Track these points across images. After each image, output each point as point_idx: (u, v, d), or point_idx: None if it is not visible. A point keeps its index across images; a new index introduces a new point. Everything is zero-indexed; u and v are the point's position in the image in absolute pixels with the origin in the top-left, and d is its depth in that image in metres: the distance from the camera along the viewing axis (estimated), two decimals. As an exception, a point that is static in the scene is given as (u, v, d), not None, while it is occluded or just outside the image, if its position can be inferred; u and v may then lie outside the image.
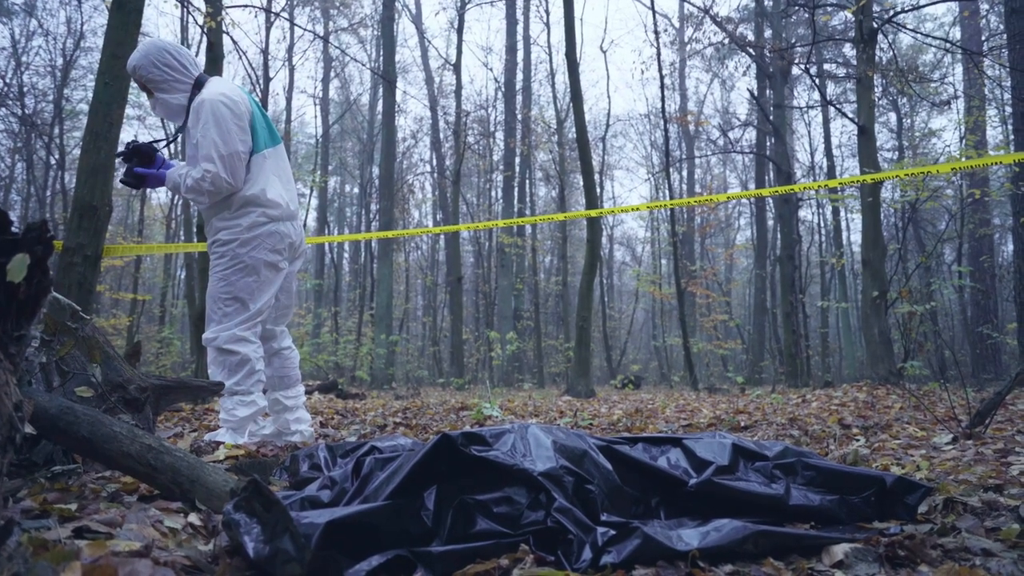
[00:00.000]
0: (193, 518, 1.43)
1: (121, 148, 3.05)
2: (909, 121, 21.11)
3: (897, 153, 20.65)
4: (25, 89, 17.57)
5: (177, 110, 2.94)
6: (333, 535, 1.16)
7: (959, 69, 17.31)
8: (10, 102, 17.36)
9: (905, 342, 8.05)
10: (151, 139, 3.02)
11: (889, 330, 8.66)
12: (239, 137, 2.85)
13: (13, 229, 1.07)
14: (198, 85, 2.92)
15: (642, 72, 28.27)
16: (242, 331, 2.89)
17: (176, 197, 19.82)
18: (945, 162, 10.91)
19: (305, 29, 16.23)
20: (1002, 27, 14.66)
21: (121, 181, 3.01)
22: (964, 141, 11.19)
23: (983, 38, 15.22)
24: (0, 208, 1.05)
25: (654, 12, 14.25)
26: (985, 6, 14.77)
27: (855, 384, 8.47)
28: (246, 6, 11.69)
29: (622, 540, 1.28)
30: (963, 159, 9.38)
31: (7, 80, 17.60)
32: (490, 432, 1.51)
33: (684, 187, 24.94)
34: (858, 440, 3.15)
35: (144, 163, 2.97)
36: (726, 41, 14.89)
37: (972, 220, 14.68)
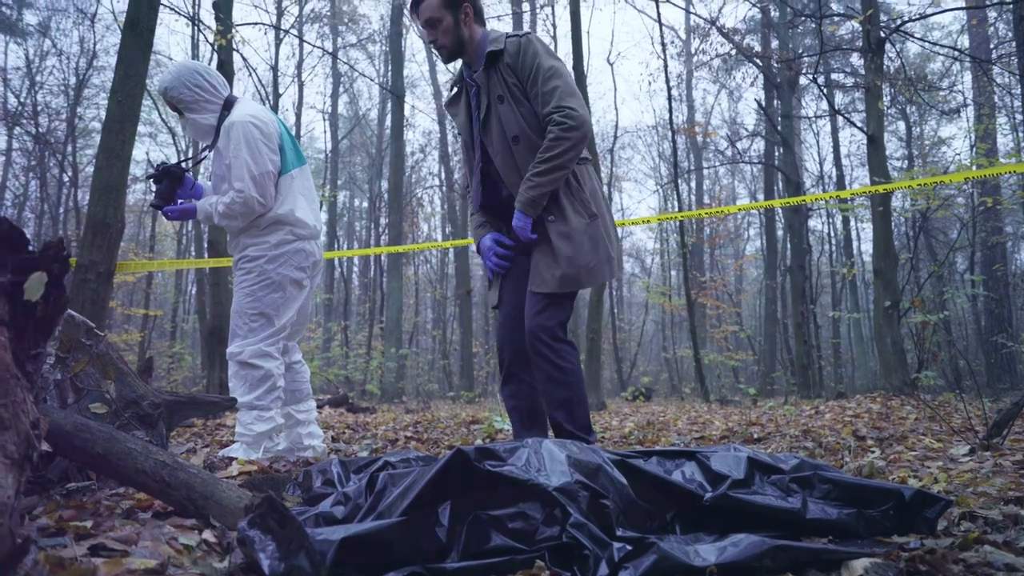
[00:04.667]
0: (207, 535, 1.43)
1: (152, 170, 3.08)
2: (918, 130, 21.05)
3: (907, 162, 20.58)
4: (39, 108, 17.79)
5: (207, 130, 3.00)
6: (348, 551, 1.16)
7: (968, 77, 17.28)
8: (24, 121, 17.57)
9: (919, 352, 7.99)
10: (178, 160, 3.05)
11: (902, 340, 8.59)
12: (269, 157, 2.92)
13: (30, 248, 1.08)
14: (227, 106, 2.99)
15: (649, 84, 28.22)
16: (267, 346, 2.93)
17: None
18: (956, 171, 10.86)
19: (314, 45, 16.40)
20: (1011, 35, 14.63)
21: (152, 205, 3.03)
22: (975, 149, 11.14)
23: (991, 46, 15.20)
24: (17, 227, 1.06)
25: (660, 25, 14.30)
26: (993, 14, 14.74)
27: (868, 395, 8.41)
28: (256, 24, 11.83)
29: (639, 556, 1.27)
30: (974, 168, 9.33)
31: (22, 100, 17.83)
32: (504, 447, 1.50)
33: (693, 198, 24.94)
34: (873, 452, 3.12)
35: (174, 184, 3.03)
36: (733, 52, 14.92)
37: (984, 229, 14.59)
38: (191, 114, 2.96)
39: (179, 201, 3.14)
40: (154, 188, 3.02)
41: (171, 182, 3.02)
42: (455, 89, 2.83)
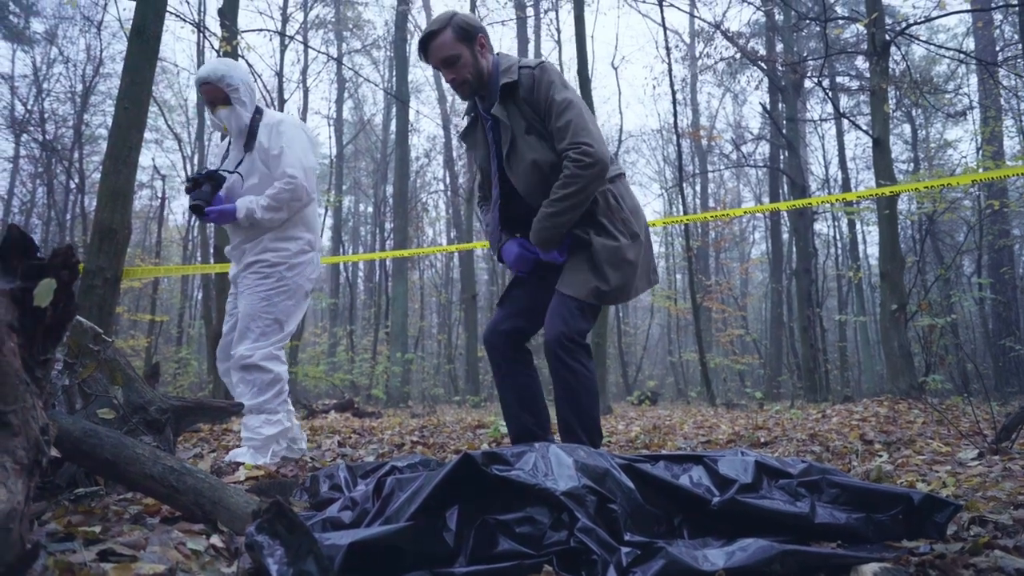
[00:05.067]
0: (215, 540, 1.43)
1: (194, 175, 3.10)
2: (924, 132, 21.01)
3: (913, 165, 20.53)
4: (46, 115, 17.90)
5: (244, 126, 3.06)
6: (356, 556, 1.16)
7: (974, 79, 17.24)
8: (32, 128, 17.68)
9: (926, 355, 7.96)
10: (217, 167, 3.11)
11: (909, 343, 8.56)
12: (313, 157, 3.07)
13: (39, 255, 1.08)
14: (258, 111, 3.09)
15: (654, 88, 28.56)
16: (276, 350, 2.98)
17: (193, 219, 20.04)
18: (962, 173, 10.83)
19: (319, 51, 16.46)
20: (1016, 37, 14.60)
21: (191, 206, 3.03)
22: (981, 152, 11.11)
23: (997, 48, 15.15)
24: (26, 233, 1.06)
25: (665, 28, 14.31)
26: (999, 16, 14.71)
27: (875, 399, 8.37)
28: (261, 30, 11.88)
29: (647, 560, 1.27)
30: (980, 170, 9.30)
31: (29, 107, 17.94)
32: (511, 451, 1.50)
33: (698, 201, 24.89)
34: (881, 456, 3.11)
35: (215, 189, 3.05)
36: (737, 56, 14.92)
37: (991, 231, 14.54)
38: (237, 106, 3.02)
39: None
40: (193, 191, 3.03)
41: (212, 186, 3.05)
42: (466, 119, 2.77)
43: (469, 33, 2.50)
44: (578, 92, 2.60)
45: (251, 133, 3.05)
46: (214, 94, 3.02)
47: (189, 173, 3.16)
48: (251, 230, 3.05)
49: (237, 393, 2.96)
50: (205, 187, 3.01)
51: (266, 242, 3.04)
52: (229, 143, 3.22)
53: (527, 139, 2.48)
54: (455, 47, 2.48)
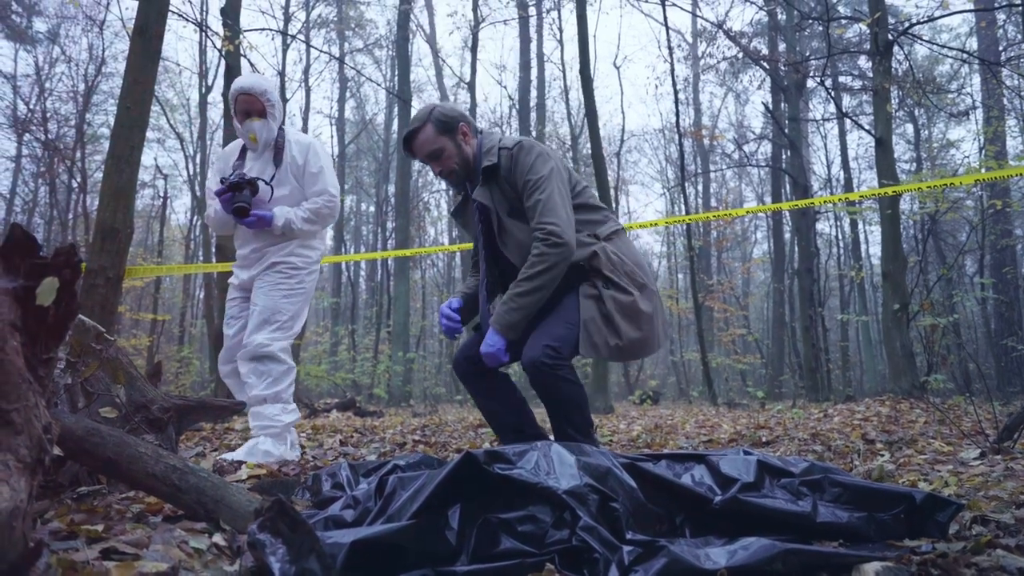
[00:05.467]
0: (218, 538, 1.43)
1: (233, 178, 3.14)
2: (927, 132, 20.98)
3: (915, 164, 20.51)
4: (48, 115, 17.91)
5: (270, 140, 3.20)
6: (358, 555, 1.16)
7: (977, 79, 17.21)
8: (34, 127, 17.70)
9: (928, 355, 7.95)
10: (235, 173, 3.17)
11: (911, 343, 8.55)
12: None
13: (42, 253, 1.08)
14: (280, 128, 3.25)
15: (656, 87, 28.54)
16: (290, 344, 3.10)
17: (196, 218, 20.06)
18: (965, 173, 10.81)
19: (321, 51, 16.46)
20: (1020, 37, 14.58)
21: (233, 210, 3.06)
22: (984, 152, 11.09)
23: (1000, 48, 15.13)
24: (29, 232, 1.06)
25: (667, 28, 14.30)
26: (1002, 16, 14.68)
27: (877, 398, 8.36)
28: (263, 29, 11.88)
29: (649, 559, 1.27)
30: (983, 170, 9.29)
31: (31, 106, 17.97)
32: (513, 450, 1.50)
33: (700, 201, 24.88)
34: (883, 455, 3.10)
35: (253, 195, 3.12)
36: (740, 55, 14.90)
37: (993, 231, 14.53)
38: (271, 120, 3.16)
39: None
40: (232, 194, 3.07)
41: (251, 192, 3.11)
42: (459, 197, 2.79)
43: (449, 125, 2.55)
44: (551, 150, 2.60)
45: (277, 147, 3.19)
46: (251, 105, 3.14)
47: (223, 176, 3.21)
48: (278, 237, 3.17)
49: (249, 384, 2.99)
50: (246, 192, 3.09)
51: (293, 247, 3.18)
52: (244, 152, 3.29)
53: (511, 221, 2.52)
54: (437, 140, 2.55)
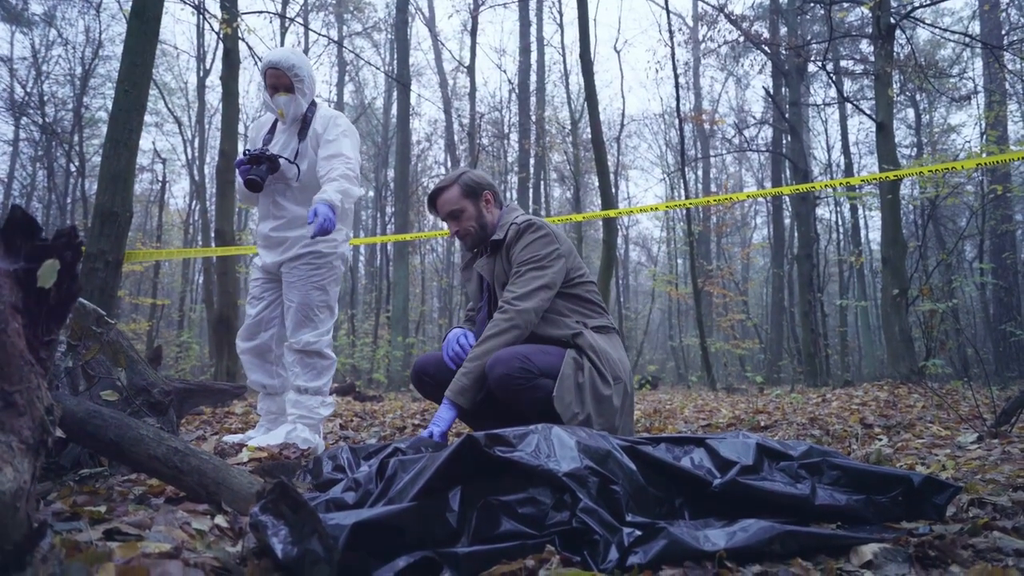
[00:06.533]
0: (220, 520, 1.44)
1: (251, 152, 3.10)
2: (928, 117, 20.89)
3: (916, 149, 20.44)
4: (46, 98, 17.81)
5: (298, 115, 3.17)
6: (360, 536, 1.17)
7: (979, 63, 17.11)
8: (31, 111, 17.61)
9: (926, 340, 7.96)
10: (258, 146, 3.17)
11: (910, 328, 8.57)
12: (357, 154, 3.19)
13: (42, 236, 1.08)
14: (313, 104, 3.22)
15: (656, 71, 28.13)
16: (330, 337, 3.13)
17: (194, 202, 20.01)
18: (966, 158, 10.78)
19: (319, 34, 16.33)
20: (1023, 20, 14.48)
21: (249, 179, 3.02)
22: (985, 137, 11.05)
23: (1003, 32, 15.04)
24: (29, 215, 1.06)
25: (668, 12, 14.21)
26: (1005, 0, 14.59)
27: (876, 383, 8.39)
28: (261, 12, 11.79)
29: (648, 540, 1.28)
30: (984, 155, 9.26)
31: (28, 90, 17.86)
32: (514, 433, 1.51)
33: (700, 186, 24.81)
34: (881, 439, 3.12)
35: (271, 171, 3.08)
36: (741, 39, 14.80)
37: (994, 216, 14.51)
38: (299, 95, 3.13)
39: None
40: (250, 166, 3.03)
41: (269, 167, 3.06)
42: (469, 255, 2.86)
43: (475, 190, 2.67)
44: (562, 238, 2.63)
45: (304, 122, 3.16)
46: (279, 79, 3.11)
47: (240, 149, 3.16)
48: (298, 217, 3.12)
49: (293, 373, 3.02)
50: (264, 166, 3.05)
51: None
52: (274, 125, 3.28)
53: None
54: (460, 202, 2.66)
